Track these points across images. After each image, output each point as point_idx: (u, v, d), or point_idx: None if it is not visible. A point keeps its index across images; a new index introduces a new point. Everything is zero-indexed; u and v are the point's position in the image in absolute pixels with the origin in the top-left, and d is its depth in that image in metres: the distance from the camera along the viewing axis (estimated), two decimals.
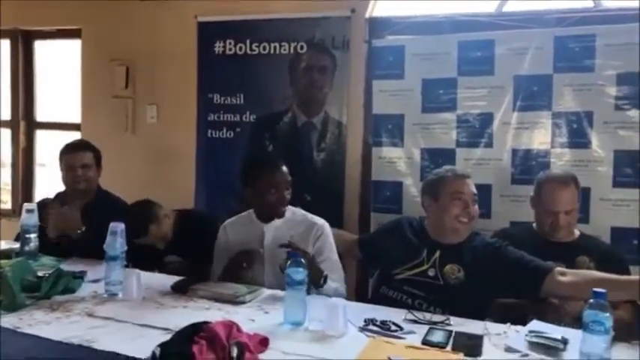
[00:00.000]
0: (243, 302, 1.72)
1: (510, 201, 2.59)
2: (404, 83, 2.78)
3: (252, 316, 1.60)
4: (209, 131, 3.24)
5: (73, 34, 3.56)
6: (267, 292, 1.84)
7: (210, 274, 2.09)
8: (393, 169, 2.82)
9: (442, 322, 1.54)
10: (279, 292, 1.78)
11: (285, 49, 3.06)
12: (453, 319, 1.58)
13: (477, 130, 2.67)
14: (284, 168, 2.09)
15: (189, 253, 2.27)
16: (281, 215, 2.06)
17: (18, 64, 3.75)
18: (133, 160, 3.35)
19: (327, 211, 2.87)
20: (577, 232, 2.15)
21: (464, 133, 2.69)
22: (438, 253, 1.91)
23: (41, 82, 3.84)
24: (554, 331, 1.46)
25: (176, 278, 1.91)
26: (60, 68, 3.80)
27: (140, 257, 2.09)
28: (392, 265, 1.95)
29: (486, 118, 2.65)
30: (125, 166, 3.27)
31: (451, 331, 1.46)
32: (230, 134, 3.20)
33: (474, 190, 2.00)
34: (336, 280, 1.96)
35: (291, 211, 2.10)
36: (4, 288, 1.66)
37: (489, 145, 2.65)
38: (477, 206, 1.99)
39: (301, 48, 3.03)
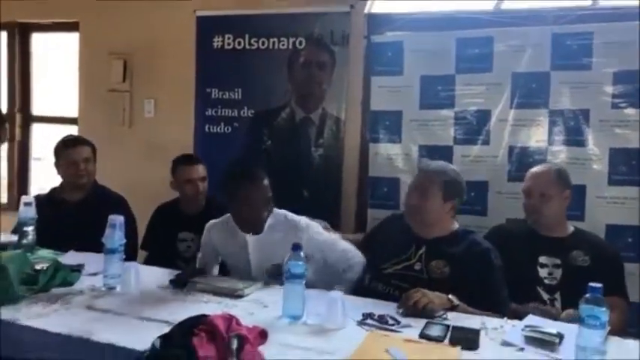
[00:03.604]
0: (242, 296, 1.72)
1: (506, 198, 2.60)
2: (402, 79, 2.78)
3: (250, 310, 1.61)
4: (207, 126, 3.23)
5: (71, 27, 3.55)
6: (264, 286, 1.84)
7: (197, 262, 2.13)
8: (391, 166, 2.83)
9: (439, 317, 1.56)
10: (277, 287, 1.78)
11: (283, 45, 3.06)
12: (451, 314, 1.60)
13: (475, 127, 2.68)
14: (265, 182, 1.96)
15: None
16: (258, 232, 1.99)
17: (15, 56, 3.73)
18: (129, 155, 3.35)
19: (325, 206, 2.90)
20: (571, 228, 2.16)
21: (461, 130, 2.70)
22: (424, 249, 1.94)
23: (38, 75, 3.81)
24: (550, 325, 1.48)
25: (173, 272, 1.92)
26: (57, 61, 3.78)
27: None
28: (381, 260, 1.99)
29: (484, 115, 2.66)
30: (121, 160, 3.26)
31: (448, 325, 1.48)
32: (228, 129, 3.20)
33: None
34: (349, 270, 2.00)
35: (272, 216, 2.02)
36: (2, 281, 1.66)
37: (486, 142, 2.66)
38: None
39: (300, 43, 3.03)
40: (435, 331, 1.43)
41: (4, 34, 3.75)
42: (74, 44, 3.56)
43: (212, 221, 2.14)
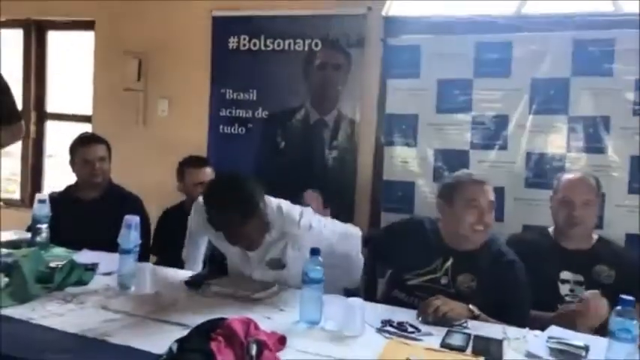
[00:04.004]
0: (258, 299, 1.70)
1: (524, 204, 2.57)
2: (419, 83, 2.76)
3: (267, 314, 1.58)
4: (221, 126, 3.22)
5: (87, 25, 3.55)
6: (280, 289, 1.82)
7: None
8: (406, 170, 2.80)
9: (459, 325, 1.53)
10: (293, 290, 1.76)
11: (299, 46, 3.05)
12: (471, 323, 1.56)
13: (492, 132, 2.65)
14: (259, 213, 1.75)
15: None
16: (256, 248, 1.86)
17: (30, 54, 3.74)
18: (143, 154, 3.33)
19: (338, 210, 2.86)
20: (595, 237, 2.09)
21: (478, 135, 2.68)
22: (451, 261, 1.85)
23: (53, 73, 3.82)
24: (574, 337, 1.45)
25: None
26: (72, 59, 3.78)
27: None
28: (404, 269, 1.91)
29: (501, 121, 2.63)
30: (134, 159, 3.25)
31: (469, 335, 1.45)
32: (242, 130, 3.19)
33: (491, 197, 1.91)
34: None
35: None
36: (17, 278, 1.65)
37: (504, 147, 2.63)
38: (493, 214, 1.91)
39: (316, 45, 3.01)
40: (457, 340, 1.40)
41: (21, 32, 3.76)
42: (90, 43, 3.56)
43: (201, 202, 1.88)
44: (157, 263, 2.52)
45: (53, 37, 3.79)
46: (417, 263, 1.88)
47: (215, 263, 2.14)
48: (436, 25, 2.79)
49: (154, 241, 2.62)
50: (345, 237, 2.00)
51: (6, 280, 1.68)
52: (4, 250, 1.95)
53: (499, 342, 1.41)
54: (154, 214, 2.65)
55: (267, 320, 1.52)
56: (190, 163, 2.60)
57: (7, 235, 2.18)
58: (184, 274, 1.93)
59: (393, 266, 2.02)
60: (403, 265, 1.92)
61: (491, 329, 1.54)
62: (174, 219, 2.60)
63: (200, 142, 3.21)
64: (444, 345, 1.38)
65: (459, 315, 1.59)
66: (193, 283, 1.80)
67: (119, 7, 3.38)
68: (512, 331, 1.51)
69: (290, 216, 1.86)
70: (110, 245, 2.04)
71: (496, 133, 2.64)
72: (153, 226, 2.65)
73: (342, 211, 2.84)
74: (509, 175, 2.60)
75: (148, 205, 2.60)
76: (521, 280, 1.81)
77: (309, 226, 1.86)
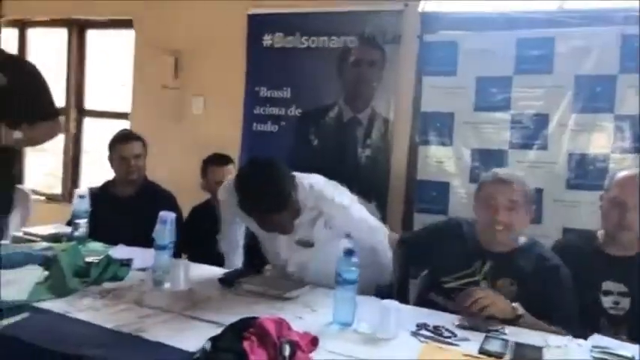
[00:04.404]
0: (290, 299, 1.69)
1: (564, 206, 2.49)
2: (456, 80, 2.71)
3: (299, 314, 1.57)
4: (254, 124, 3.23)
5: (125, 24, 3.62)
6: (312, 289, 1.80)
7: None
8: (441, 169, 2.75)
9: (496, 331, 1.47)
10: (325, 290, 1.74)
11: (334, 43, 3.02)
12: (509, 329, 1.51)
13: (531, 132, 2.57)
14: (290, 203, 1.74)
15: None
16: (289, 233, 1.86)
17: (72, 52, 3.84)
18: (178, 151, 3.38)
19: (370, 210, 2.83)
20: None
21: (517, 134, 2.60)
22: (489, 264, 1.78)
23: (92, 70, 3.91)
24: (620, 347, 1.38)
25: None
26: (111, 58, 3.87)
27: None
28: (442, 272, 1.85)
29: (542, 119, 2.55)
30: (169, 156, 3.30)
31: (508, 341, 1.39)
32: (275, 128, 3.19)
33: (515, 197, 1.77)
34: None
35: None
36: (56, 272, 1.69)
37: (544, 147, 2.55)
38: (517, 213, 1.77)
39: (351, 42, 2.98)
40: (495, 346, 1.35)
41: (63, 31, 3.86)
42: (128, 41, 3.63)
43: (229, 184, 1.90)
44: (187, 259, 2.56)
45: (93, 35, 3.89)
46: (455, 266, 1.82)
47: (250, 257, 2.14)
48: (474, 21, 2.73)
49: (182, 238, 2.64)
50: (372, 230, 1.98)
51: (45, 273, 1.72)
52: (44, 244, 2.01)
53: (539, 349, 1.36)
54: (188, 210, 2.68)
55: (299, 320, 1.50)
56: (214, 161, 2.61)
57: (48, 229, 2.23)
58: (217, 271, 1.93)
59: (429, 268, 1.97)
60: (441, 267, 1.87)
61: (531, 336, 1.48)
62: (202, 216, 2.62)
63: (234, 140, 3.23)
64: (482, 351, 1.33)
65: (501, 311, 1.53)
66: (226, 281, 1.80)
67: (157, 6, 3.44)
68: (554, 339, 1.45)
69: (323, 194, 1.83)
70: (144, 241, 2.08)
71: (536, 132, 2.56)
72: None
73: (374, 212, 2.82)
74: (549, 176, 2.52)
75: (183, 202, 2.62)
76: (567, 285, 1.73)
77: (343, 206, 1.84)
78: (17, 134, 2.20)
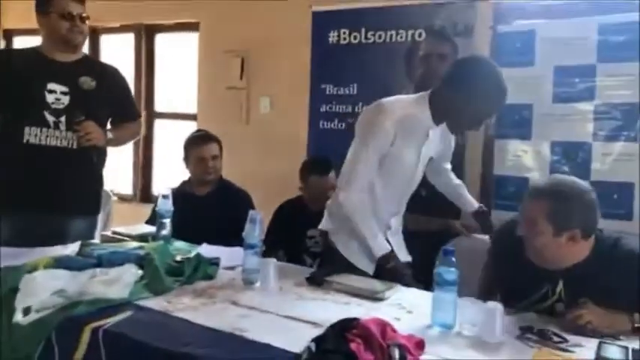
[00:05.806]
0: (382, 299, 1.67)
1: None
2: (533, 70, 2.59)
3: (394, 315, 1.54)
4: (321, 122, 3.22)
5: (192, 27, 3.69)
6: (402, 288, 1.77)
7: None
8: (519, 164, 2.65)
9: (613, 337, 1.39)
10: (418, 291, 1.71)
11: (401, 37, 2.97)
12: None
13: (619, 122, 2.43)
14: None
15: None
16: None
17: (141, 56, 3.96)
18: (246, 151, 3.42)
19: (444, 206, 2.76)
20: None
21: (602, 126, 2.46)
22: (561, 283, 1.57)
23: (161, 73, 4.02)
24: None
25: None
26: (178, 60, 3.96)
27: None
28: (512, 295, 1.63)
29: (630, 109, 2.40)
30: (239, 156, 3.33)
31: (626, 347, 1.32)
32: (342, 125, 3.17)
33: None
34: None
35: None
36: (151, 271, 1.73)
37: (633, 138, 2.40)
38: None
39: (419, 35, 2.92)
40: (614, 353, 1.27)
41: (131, 36, 3.98)
42: (194, 44, 3.70)
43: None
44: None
45: (161, 39, 3.99)
46: (526, 288, 1.61)
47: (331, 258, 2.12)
48: (551, 8, 2.61)
49: (269, 235, 2.66)
50: None
51: (139, 272, 1.77)
52: (135, 244, 2.07)
53: None
54: (258, 210, 2.69)
55: (397, 322, 1.47)
56: (314, 169, 2.56)
57: (137, 229, 2.29)
58: (305, 270, 1.93)
59: (499, 290, 1.74)
60: (510, 290, 1.67)
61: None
62: (293, 213, 2.63)
63: (301, 138, 3.23)
64: (600, 359, 1.26)
65: (607, 327, 1.41)
66: (314, 280, 1.80)
67: (222, 8, 3.48)
68: None
69: None
70: (222, 239, 2.11)
71: (624, 122, 2.41)
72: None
73: (448, 209, 2.75)
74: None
75: (256, 203, 2.64)
76: None
77: None
78: (109, 134, 2.28)
